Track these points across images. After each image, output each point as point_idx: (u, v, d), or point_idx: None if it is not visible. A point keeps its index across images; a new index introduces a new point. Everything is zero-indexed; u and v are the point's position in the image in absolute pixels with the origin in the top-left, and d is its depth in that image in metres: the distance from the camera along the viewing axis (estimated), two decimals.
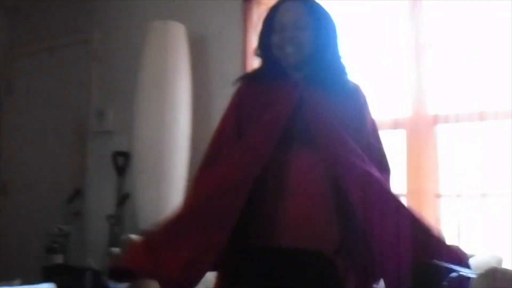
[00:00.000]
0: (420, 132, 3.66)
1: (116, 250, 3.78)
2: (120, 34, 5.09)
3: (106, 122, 5.02)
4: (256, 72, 2.26)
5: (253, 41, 4.17)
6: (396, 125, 3.74)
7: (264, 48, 2.13)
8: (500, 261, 3.03)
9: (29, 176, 5.54)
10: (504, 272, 2.11)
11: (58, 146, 5.38)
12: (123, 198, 4.67)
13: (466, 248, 3.06)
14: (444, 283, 2.07)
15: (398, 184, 3.61)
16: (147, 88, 4.35)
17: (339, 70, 2.12)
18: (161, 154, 4.23)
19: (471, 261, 2.90)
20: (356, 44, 3.89)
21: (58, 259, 4.36)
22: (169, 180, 4.20)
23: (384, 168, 2.11)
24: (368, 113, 2.17)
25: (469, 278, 2.04)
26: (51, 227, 4.54)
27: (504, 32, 3.51)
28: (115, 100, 5.02)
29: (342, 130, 1.98)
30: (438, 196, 3.59)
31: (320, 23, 2.06)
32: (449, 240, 3.32)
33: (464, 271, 2.18)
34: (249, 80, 2.23)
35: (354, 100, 2.12)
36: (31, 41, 5.71)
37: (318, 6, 2.12)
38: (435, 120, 3.66)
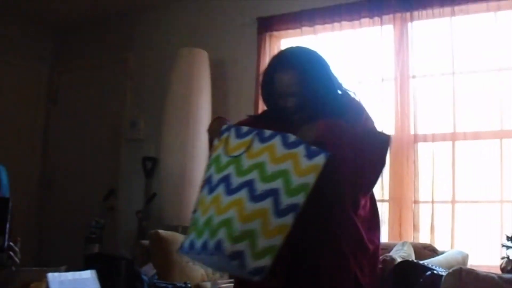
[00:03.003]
0: (402, 149, 3.95)
1: (144, 242, 3.95)
2: (152, 57, 5.33)
3: (137, 131, 5.24)
4: (261, 114, 2.47)
5: (264, 66, 4.25)
6: None
7: (267, 98, 2.29)
8: (466, 257, 3.29)
9: (71, 176, 5.68)
10: (469, 271, 2.14)
11: (96, 150, 5.56)
12: (150, 197, 4.86)
13: (439, 245, 3.46)
14: (421, 280, 2.30)
15: (383, 192, 3.96)
16: (174, 103, 4.57)
17: (332, 103, 2.19)
18: (184, 160, 4.43)
19: (442, 257, 3.15)
20: (349, 73, 4.09)
21: (95, 248, 4.48)
22: (191, 182, 4.36)
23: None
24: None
25: (441, 276, 2.21)
26: (89, 220, 4.66)
27: (476, 64, 3.89)
28: (145, 113, 5.24)
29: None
30: (416, 202, 3.88)
31: (309, 76, 2.15)
32: (425, 239, 3.66)
33: (437, 270, 2.40)
34: (254, 117, 2.43)
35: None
36: (76, 59, 5.90)
37: (304, 61, 2.19)
38: (415, 139, 3.95)
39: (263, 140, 1.96)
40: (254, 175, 1.88)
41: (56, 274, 2.63)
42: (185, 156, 4.45)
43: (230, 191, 1.89)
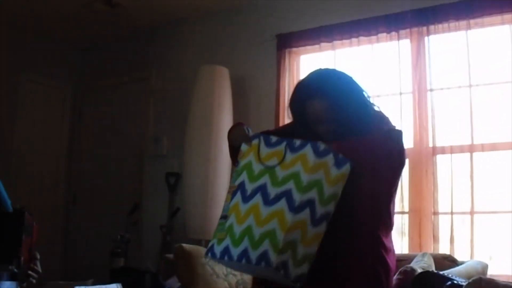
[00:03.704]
0: (421, 161, 3.96)
1: (168, 255, 3.94)
2: (174, 74, 5.38)
3: (160, 147, 5.28)
4: (284, 128, 2.48)
5: (284, 82, 4.53)
6: None
7: (298, 122, 2.26)
8: (485, 267, 3.27)
9: (96, 191, 5.74)
10: (488, 281, 2.13)
11: (120, 167, 5.63)
12: (174, 211, 4.90)
13: (458, 256, 3.47)
14: None
15: (403, 204, 3.96)
16: (196, 119, 4.62)
17: (362, 119, 2.17)
18: (207, 175, 4.47)
19: (462, 268, 3.13)
20: (367, 87, 3.78)
21: (120, 262, 4.49)
22: (213, 197, 4.42)
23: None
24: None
25: (461, 286, 2.24)
26: (115, 234, 4.67)
27: (492, 76, 3.89)
28: (168, 129, 5.28)
29: None
30: (435, 213, 3.88)
31: (341, 100, 2.13)
32: (444, 249, 3.67)
33: (457, 280, 2.39)
34: (276, 132, 2.32)
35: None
36: (100, 77, 5.98)
37: (335, 87, 2.15)
38: (434, 151, 3.96)
39: (294, 149, 2.00)
40: (290, 185, 1.94)
41: (82, 287, 2.74)
42: (208, 171, 4.49)
43: (269, 202, 1.95)
